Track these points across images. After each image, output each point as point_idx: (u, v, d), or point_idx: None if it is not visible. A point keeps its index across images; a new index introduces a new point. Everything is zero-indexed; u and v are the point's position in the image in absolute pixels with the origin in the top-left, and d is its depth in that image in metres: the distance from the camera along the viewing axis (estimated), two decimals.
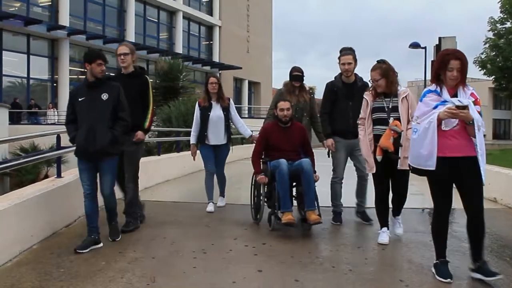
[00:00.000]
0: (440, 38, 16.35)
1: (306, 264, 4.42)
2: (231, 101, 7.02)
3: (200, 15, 42.69)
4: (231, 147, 7.12)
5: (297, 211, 5.71)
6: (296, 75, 6.40)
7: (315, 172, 5.64)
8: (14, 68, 27.95)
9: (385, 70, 5.01)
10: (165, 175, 10.35)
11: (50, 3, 29.80)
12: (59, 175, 6.18)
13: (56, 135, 6.38)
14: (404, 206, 5.37)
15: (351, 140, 5.86)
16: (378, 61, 5.17)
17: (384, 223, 5.22)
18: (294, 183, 5.71)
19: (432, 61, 17.02)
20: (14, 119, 24.84)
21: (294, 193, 5.79)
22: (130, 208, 5.70)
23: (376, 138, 5.03)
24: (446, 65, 3.86)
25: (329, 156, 6.25)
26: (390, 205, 5.30)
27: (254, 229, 5.72)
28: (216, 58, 43.76)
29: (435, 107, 3.87)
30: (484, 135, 3.91)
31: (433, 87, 4.02)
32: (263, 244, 5.10)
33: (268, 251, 4.87)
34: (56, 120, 26.88)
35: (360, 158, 5.60)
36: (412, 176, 4.95)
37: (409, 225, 5.85)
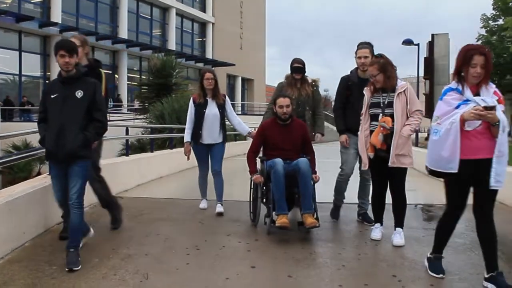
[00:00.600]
0: (433, 35, 16.39)
1: (299, 260, 4.43)
2: (227, 98, 6.65)
3: (193, 11, 42.64)
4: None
5: (294, 213, 5.63)
6: (297, 67, 6.12)
7: (315, 172, 5.42)
8: (5, 65, 27.82)
9: (382, 65, 4.90)
10: (158, 172, 10.33)
11: None
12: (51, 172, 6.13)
13: None
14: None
15: None
16: (376, 56, 5.10)
17: (377, 218, 5.19)
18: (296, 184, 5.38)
19: (425, 57, 17.08)
20: (6, 117, 24.69)
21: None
22: (105, 197, 5.56)
23: (372, 134, 4.97)
24: (469, 61, 3.63)
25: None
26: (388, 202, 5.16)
27: (247, 226, 5.72)
28: (209, 55, 43.73)
29: (457, 107, 3.64)
30: (509, 134, 3.79)
31: (454, 84, 3.76)
32: (256, 240, 5.10)
33: (261, 247, 4.87)
34: None
35: None
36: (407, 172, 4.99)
37: (407, 222, 5.85)
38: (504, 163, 3.62)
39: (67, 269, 4.06)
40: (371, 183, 5.54)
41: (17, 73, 28.57)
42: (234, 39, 46.61)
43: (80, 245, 4.44)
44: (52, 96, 4.29)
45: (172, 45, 39.41)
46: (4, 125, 20.11)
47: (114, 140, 10.67)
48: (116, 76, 35.76)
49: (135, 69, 37.78)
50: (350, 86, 5.76)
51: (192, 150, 6.60)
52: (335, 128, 6.15)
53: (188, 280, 3.93)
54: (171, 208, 6.88)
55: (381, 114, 4.87)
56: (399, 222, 5.04)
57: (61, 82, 4.34)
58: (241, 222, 5.90)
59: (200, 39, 45.10)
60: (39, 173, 16.31)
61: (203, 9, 44.49)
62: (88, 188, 6.72)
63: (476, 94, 3.66)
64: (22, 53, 28.44)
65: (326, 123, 6.35)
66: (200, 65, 41.73)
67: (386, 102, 4.91)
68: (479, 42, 34.30)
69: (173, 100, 17.07)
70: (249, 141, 6.39)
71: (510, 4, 32.03)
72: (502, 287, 3.59)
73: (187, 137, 6.55)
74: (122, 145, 14.45)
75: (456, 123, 3.56)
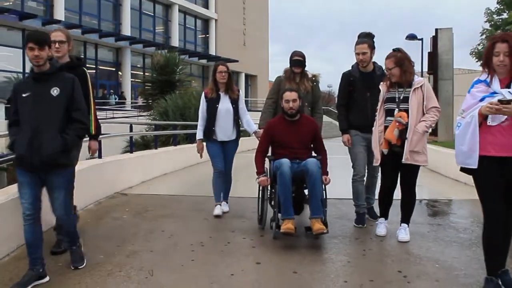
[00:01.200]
0: (436, 30, 16.33)
1: (304, 256, 4.42)
2: (241, 93, 6.28)
3: (196, 8, 42.61)
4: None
5: (301, 217, 5.44)
6: (297, 60, 5.77)
7: (326, 173, 5.13)
8: (9, 63, 27.82)
9: (399, 59, 4.78)
10: (162, 169, 10.33)
11: None
12: None
13: None
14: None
15: (369, 134, 5.25)
16: (393, 50, 4.93)
17: (383, 213, 5.13)
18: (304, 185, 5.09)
19: (428, 52, 17.02)
20: None
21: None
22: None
23: (386, 129, 4.85)
24: (492, 50, 3.40)
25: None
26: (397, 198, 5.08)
27: (252, 222, 5.71)
28: (212, 51, 43.72)
29: (482, 100, 3.39)
30: None
31: (483, 76, 3.52)
32: (261, 236, 5.10)
33: (266, 243, 4.86)
34: None
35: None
36: None
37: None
38: None
39: (72, 267, 4.03)
40: (377, 179, 5.49)
41: (21, 71, 28.59)
42: (237, 36, 46.55)
43: (79, 244, 4.18)
44: (23, 95, 3.73)
45: (175, 41, 39.41)
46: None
47: (118, 137, 10.69)
48: (120, 73, 35.82)
49: (138, 66, 37.80)
50: (352, 82, 5.56)
51: (204, 148, 6.28)
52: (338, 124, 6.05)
53: (193, 276, 3.93)
54: (176, 204, 6.88)
55: (396, 109, 4.78)
56: (405, 218, 4.98)
57: (33, 79, 3.78)
58: (245, 219, 5.90)
59: (203, 36, 45.07)
60: None
61: (206, 5, 44.44)
62: (92, 181, 6.78)
63: (507, 86, 3.39)
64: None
65: (329, 119, 6.21)
66: (204, 61, 41.75)
67: (401, 97, 4.81)
68: (483, 37, 34.23)
69: (176, 97, 17.08)
70: (253, 137, 6.30)
71: None
72: (509, 286, 3.46)
73: (199, 134, 6.21)
74: (126, 142, 14.45)
75: (475, 116, 3.34)
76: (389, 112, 4.85)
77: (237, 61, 41.80)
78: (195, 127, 6.24)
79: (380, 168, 5.10)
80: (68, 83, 3.78)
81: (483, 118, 3.35)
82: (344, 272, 4.04)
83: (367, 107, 5.39)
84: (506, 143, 3.35)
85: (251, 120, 6.31)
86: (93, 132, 4.66)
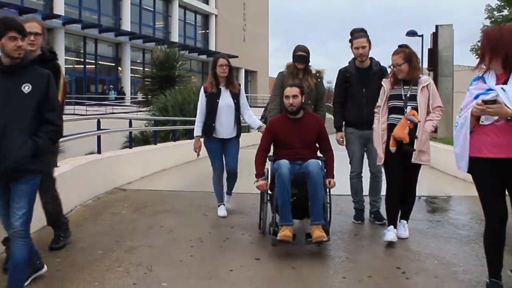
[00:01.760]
0: (437, 26, 16.30)
1: (303, 252, 4.43)
2: (242, 88, 6.00)
3: (196, 3, 42.54)
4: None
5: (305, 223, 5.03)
6: (300, 55, 5.47)
7: (332, 176, 4.78)
8: None
9: (408, 55, 4.64)
10: (162, 164, 10.32)
11: None
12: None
13: None
14: None
15: (365, 131, 5.27)
16: (400, 46, 4.80)
17: (392, 221, 4.76)
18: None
19: (429, 49, 17.00)
20: None
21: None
22: (55, 217, 4.54)
23: (391, 128, 4.64)
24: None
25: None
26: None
27: (251, 218, 5.71)
28: (212, 47, 43.67)
29: (476, 97, 3.20)
30: None
31: (481, 72, 3.34)
32: (260, 232, 5.09)
33: (265, 239, 4.86)
34: None
35: (374, 152, 5.02)
36: None
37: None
38: None
39: None
40: (381, 179, 5.40)
41: None
42: (237, 31, 46.48)
43: (26, 283, 3.49)
44: None
45: (175, 37, 39.36)
46: None
47: (117, 132, 10.69)
48: (119, 68, 35.79)
49: (138, 61, 37.76)
50: (349, 78, 5.45)
51: (203, 146, 5.94)
52: None
53: (192, 272, 3.93)
54: (175, 200, 6.88)
55: (409, 107, 4.60)
56: (405, 214, 4.93)
57: (1, 73, 3.25)
58: (244, 214, 5.90)
59: (203, 31, 45.02)
60: None
61: (206, 1, 44.38)
62: (91, 176, 6.78)
63: (505, 82, 3.19)
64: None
65: (329, 115, 6.02)
66: (203, 57, 41.71)
67: (408, 95, 4.66)
68: None
69: (176, 93, 17.04)
70: (253, 132, 6.22)
71: None
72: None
73: (197, 130, 5.87)
74: (125, 138, 14.42)
75: (467, 118, 3.19)
76: (394, 110, 4.69)
77: (237, 56, 41.69)
78: (194, 122, 6.01)
79: (384, 168, 4.93)
80: (42, 80, 3.29)
81: (476, 118, 3.20)
82: (343, 268, 4.04)
83: (363, 103, 5.31)
84: (500, 143, 3.16)
85: (254, 115, 6.01)
86: None
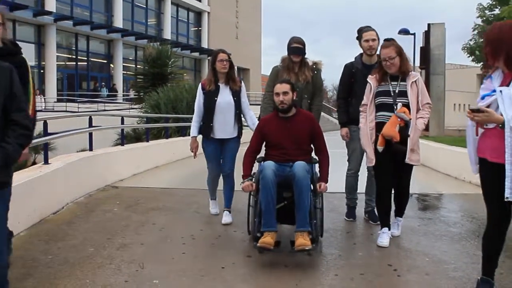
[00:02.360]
0: (429, 25, 16.38)
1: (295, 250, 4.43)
2: (243, 85, 5.56)
3: (189, 0, 42.43)
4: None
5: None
6: (296, 47, 5.21)
7: (325, 180, 4.40)
8: None
9: (399, 48, 4.45)
10: (154, 162, 10.30)
11: None
12: (46, 161, 6.12)
13: (43, 122, 6.31)
14: None
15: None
16: (386, 40, 4.58)
17: (384, 222, 4.65)
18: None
19: (421, 47, 17.07)
20: None
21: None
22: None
23: (379, 126, 4.45)
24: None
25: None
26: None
27: (243, 215, 5.69)
28: (205, 44, 43.57)
29: (483, 98, 3.10)
30: None
31: (492, 70, 3.19)
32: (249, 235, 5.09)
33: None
34: (43, 107, 26.67)
35: None
36: None
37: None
38: None
39: None
40: None
41: None
42: (230, 29, 46.40)
43: None
44: None
45: (167, 34, 39.22)
46: None
47: (109, 129, 10.65)
48: (112, 65, 35.63)
49: (130, 58, 37.61)
50: (354, 74, 5.24)
51: (200, 146, 5.58)
52: (330, 118, 5.94)
53: (184, 269, 3.92)
54: (167, 197, 6.86)
55: (399, 104, 4.38)
56: (399, 211, 4.86)
57: None
58: (236, 212, 5.88)
59: (196, 29, 44.91)
60: (34, 163, 16.25)
61: None
62: (83, 173, 6.76)
63: (510, 82, 3.05)
64: (16, 42, 28.09)
65: (322, 113, 5.88)
66: (196, 54, 41.63)
67: (397, 91, 4.46)
68: (475, 32, 34.38)
69: (168, 90, 17.03)
70: (246, 129, 5.95)
71: None
72: None
73: (193, 131, 5.51)
74: (117, 135, 14.40)
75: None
76: (383, 107, 4.48)
77: (229, 54, 41.72)
78: (186, 120, 5.80)
79: (373, 170, 4.74)
80: (4, 75, 2.71)
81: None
82: (335, 266, 4.05)
83: None
84: (498, 147, 3.03)
85: (254, 116, 5.59)
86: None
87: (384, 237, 4.59)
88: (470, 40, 35.33)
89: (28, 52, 29.13)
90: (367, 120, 4.59)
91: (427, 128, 15.26)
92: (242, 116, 5.54)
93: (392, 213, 4.84)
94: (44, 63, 29.53)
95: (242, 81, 5.61)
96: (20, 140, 2.72)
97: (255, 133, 4.73)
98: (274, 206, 4.18)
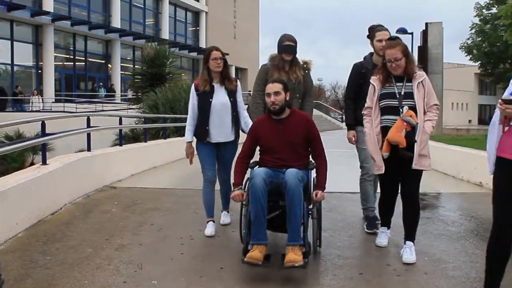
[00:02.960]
0: (427, 24, 16.38)
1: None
2: (239, 84, 5.20)
3: (187, 0, 42.38)
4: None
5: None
6: (288, 45, 4.95)
7: (322, 188, 4.08)
8: None
9: (405, 48, 4.15)
10: (152, 162, 10.29)
11: None
12: (44, 162, 6.11)
13: (41, 122, 6.30)
14: None
15: None
16: (391, 38, 4.29)
17: (385, 222, 4.49)
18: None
19: (418, 46, 17.08)
20: None
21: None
22: None
23: (384, 131, 4.14)
24: None
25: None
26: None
27: None
28: (202, 44, 43.54)
29: None
30: None
31: None
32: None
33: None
34: (41, 107, 26.64)
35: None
36: None
37: (397, 210, 5.85)
38: None
39: None
40: (377, 183, 5.08)
41: (9, 62, 28.33)
42: (228, 28, 46.39)
43: None
44: None
45: (165, 34, 39.17)
46: None
47: (107, 130, 10.63)
48: (109, 66, 35.57)
49: (128, 58, 37.57)
50: (364, 74, 4.94)
51: (195, 151, 5.20)
52: (328, 118, 5.85)
53: (182, 270, 3.92)
54: (165, 198, 6.86)
55: (405, 107, 4.05)
56: (410, 234, 4.24)
57: None
58: (234, 212, 5.88)
59: (194, 28, 44.88)
60: (32, 163, 16.24)
61: None
62: (81, 174, 6.74)
63: None
64: (14, 42, 28.18)
65: (319, 112, 5.74)
66: (194, 54, 41.58)
67: (402, 93, 4.13)
68: (473, 31, 34.44)
69: (166, 90, 17.01)
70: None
71: None
72: None
73: (188, 135, 5.10)
74: (115, 135, 14.38)
75: (497, 115, 2.89)
76: (387, 110, 4.15)
77: (227, 54, 41.33)
78: (185, 120, 5.42)
79: (378, 176, 4.40)
80: None
81: (506, 116, 2.84)
82: (333, 265, 4.05)
83: None
84: None
85: (249, 118, 5.15)
86: None
87: (382, 237, 4.51)
88: (468, 39, 35.44)
89: (26, 52, 29.15)
90: (372, 124, 4.24)
91: None
92: (239, 117, 5.14)
93: (401, 231, 4.43)
94: (41, 63, 29.46)
95: (238, 80, 5.32)
96: None
97: (248, 136, 4.42)
98: (264, 217, 3.86)
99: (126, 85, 34.49)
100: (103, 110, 25.24)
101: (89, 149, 7.81)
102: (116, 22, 34.65)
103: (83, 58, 33.61)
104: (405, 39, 21.93)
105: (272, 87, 4.13)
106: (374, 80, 4.29)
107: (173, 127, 14.29)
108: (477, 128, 37.67)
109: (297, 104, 4.95)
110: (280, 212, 4.01)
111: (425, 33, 16.39)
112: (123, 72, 35.36)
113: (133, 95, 24.48)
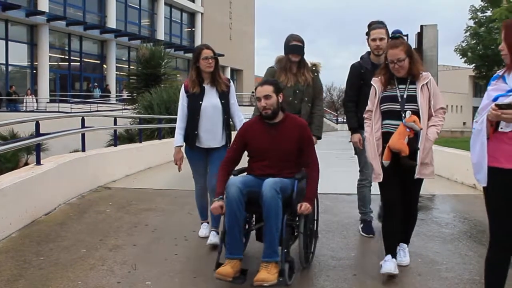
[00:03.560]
0: (421, 26, 16.42)
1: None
2: (232, 85, 4.87)
3: (182, 1, 42.36)
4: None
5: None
6: (295, 45, 4.66)
7: (310, 200, 3.71)
8: None
9: (409, 47, 3.86)
10: (147, 162, 10.28)
11: None
12: (38, 162, 6.10)
13: (35, 122, 6.28)
14: None
15: None
16: (393, 36, 3.97)
17: (389, 249, 3.84)
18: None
19: (414, 48, 17.12)
20: None
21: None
22: None
23: (385, 137, 3.84)
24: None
25: (355, 154, 5.05)
26: None
27: None
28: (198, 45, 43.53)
29: (495, 99, 2.74)
30: None
31: (501, 71, 2.87)
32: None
33: (250, 238, 4.85)
34: (35, 107, 26.57)
35: None
36: None
37: None
38: None
39: None
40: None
41: (4, 62, 28.25)
42: (223, 30, 46.38)
43: None
44: None
45: (161, 35, 39.15)
46: None
47: (102, 130, 10.62)
48: (105, 66, 35.51)
49: (123, 59, 37.51)
50: (364, 75, 4.72)
51: (184, 157, 4.83)
52: (324, 120, 5.79)
53: (177, 270, 3.92)
54: (160, 198, 6.85)
55: (408, 112, 3.76)
56: (406, 237, 4.15)
57: None
58: None
59: (189, 29, 44.86)
60: (26, 164, 16.20)
61: None
62: (75, 174, 6.72)
63: None
64: (9, 42, 28.11)
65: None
66: (189, 55, 41.50)
67: (405, 96, 3.82)
68: (467, 34, 34.55)
69: (161, 91, 17.03)
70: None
71: None
72: None
73: (178, 139, 4.72)
74: (110, 136, 14.37)
75: (484, 123, 2.73)
76: (389, 115, 3.85)
77: (223, 55, 41.53)
78: None
79: (379, 184, 3.99)
80: None
81: (492, 123, 2.73)
82: (327, 267, 4.05)
83: None
84: None
85: (244, 120, 4.68)
86: None
87: (388, 265, 3.76)
88: (463, 41, 35.54)
89: (21, 52, 29.06)
90: (372, 129, 3.93)
91: None
92: (233, 119, 4.83)
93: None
94: (36, 63, 29.38)
95: (231, 81, 4.99)
96: None
97: (235, 139, 4.05)
98: (240, 230, 3.59)
99: (121, 85, 34.42)
100: (98, 111, 25.22)
101: (83, 150, 7.80)
102: (112, 23, 34.59)
103: (78, 58, 33.55)
104: None
105: (261, 91, 3.81)
106: (375, 82, 3.99)
107: (168, 128, 14.29)
108: (471, 131, 37.73)
109: (306, 108, 4.76)
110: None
111: (420, 36, 16.42)
112: (118, 73, 35.29)
113: (128, 96, 24.46)
